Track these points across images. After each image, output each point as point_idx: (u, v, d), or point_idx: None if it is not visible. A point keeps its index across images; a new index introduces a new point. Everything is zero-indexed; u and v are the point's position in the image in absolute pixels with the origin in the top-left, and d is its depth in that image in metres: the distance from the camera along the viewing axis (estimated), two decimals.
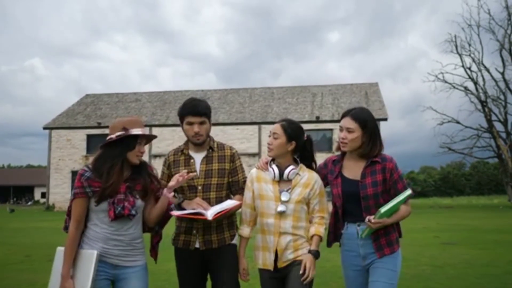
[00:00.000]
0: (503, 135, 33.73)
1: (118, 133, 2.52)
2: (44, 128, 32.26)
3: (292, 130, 2.69)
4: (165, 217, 2.74)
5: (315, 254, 2.58)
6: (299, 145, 2.72)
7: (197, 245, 2.80)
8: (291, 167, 2.65)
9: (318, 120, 29.22)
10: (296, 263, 2.58)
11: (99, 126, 31.58)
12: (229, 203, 2.74)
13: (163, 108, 33.57)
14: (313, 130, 28.71)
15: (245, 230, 2.78)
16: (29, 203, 56.30)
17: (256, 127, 29.75)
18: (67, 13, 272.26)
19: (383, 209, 2.43)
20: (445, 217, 20.17)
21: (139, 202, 2.60)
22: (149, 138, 2.67)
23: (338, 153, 2.80)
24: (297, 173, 2.67)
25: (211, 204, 2.76)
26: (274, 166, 2.67)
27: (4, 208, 38.66)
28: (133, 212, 2.54)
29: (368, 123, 2.61)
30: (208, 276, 2.91)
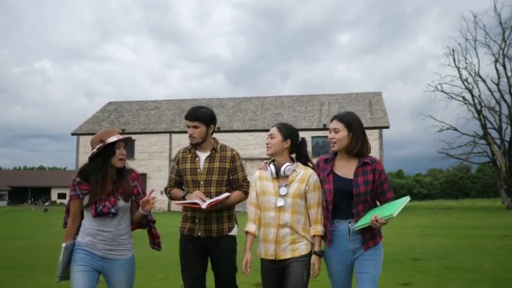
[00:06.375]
0: (498, 141, 34.90)
1: (97, 146, 2.79)
2: (72, 134, 34.94)
3: (287, 129, 2.94)
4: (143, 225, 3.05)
5: (321, 254, 2.79)
6: (294, 143, 2.93)
7: (199, 233, 3.11)
8: (286, 164, 2.85)
9: (325, 128, 31.17)
10: (295, 260, 2.77)
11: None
12: (222, 195, 3.04)
13: (181, 115, 35.67)
14: (321, 137, 30.87)
15: (251, 227, 2.92)
16: (46, 203, 57.91)
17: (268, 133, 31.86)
18: (77, 15, 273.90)
19: (396, 213, 2.53)
20: (439, 217, 21.92)
21: (121, 203, 2.81)
22: (126, 141, 2.89)
23: None
24: (294, 170, 2.86)
25: (211, 197, 3.07)
26: (271, 165, 2.89)
27: (29, 209, 40.85)
28: (113, 210, 2.75)
29: (353, 123, 2.80)
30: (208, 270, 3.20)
